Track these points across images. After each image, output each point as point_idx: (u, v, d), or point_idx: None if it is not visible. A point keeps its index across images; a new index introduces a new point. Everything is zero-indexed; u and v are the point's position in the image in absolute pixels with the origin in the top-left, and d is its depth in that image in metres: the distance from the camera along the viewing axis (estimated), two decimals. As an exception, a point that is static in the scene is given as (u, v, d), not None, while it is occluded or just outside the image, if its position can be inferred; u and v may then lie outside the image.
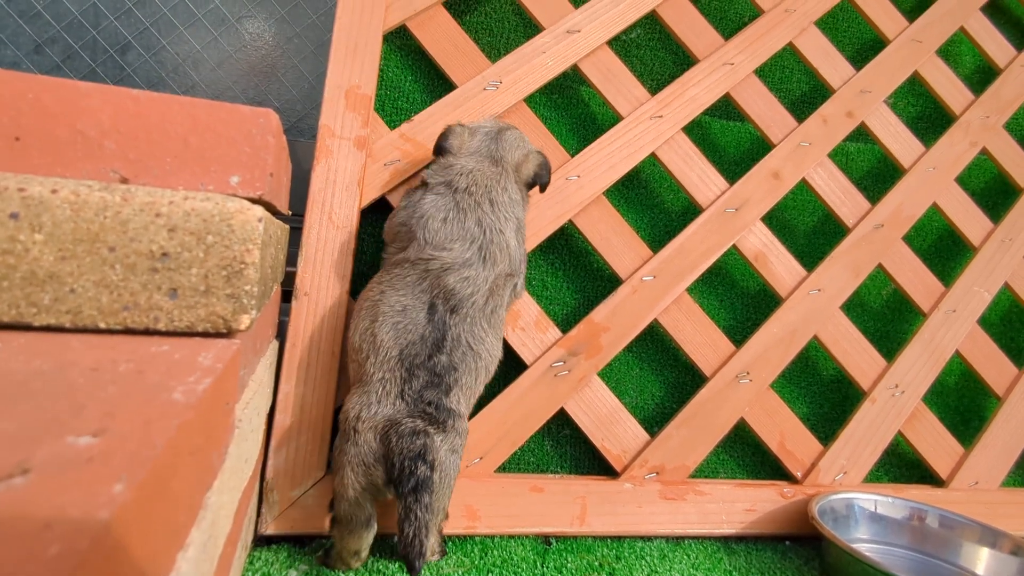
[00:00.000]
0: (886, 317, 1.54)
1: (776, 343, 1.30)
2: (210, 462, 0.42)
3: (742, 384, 1.26)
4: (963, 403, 1.53)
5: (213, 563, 0.49)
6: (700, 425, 1.22)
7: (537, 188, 1.08)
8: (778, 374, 1.29)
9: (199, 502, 0.40)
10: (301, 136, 1.73)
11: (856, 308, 1.51)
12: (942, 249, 1.62)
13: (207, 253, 0.50)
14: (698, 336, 1.28)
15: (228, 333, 0.52)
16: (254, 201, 0.60)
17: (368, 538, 0.88)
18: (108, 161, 0.55)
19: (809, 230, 1.53)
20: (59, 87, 0.56)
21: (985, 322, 1.56)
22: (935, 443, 1.36)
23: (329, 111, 1.14)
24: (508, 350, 1.21)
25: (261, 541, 0.97)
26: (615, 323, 1.22)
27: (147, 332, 0.49)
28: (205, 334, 0.51)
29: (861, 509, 1.17)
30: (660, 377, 1.36)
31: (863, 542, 1.14)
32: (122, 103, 0.57)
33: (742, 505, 1.21)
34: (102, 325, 0.48)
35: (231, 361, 0.48)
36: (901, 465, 1.44)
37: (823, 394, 1.44)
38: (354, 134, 1.15)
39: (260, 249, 0.52)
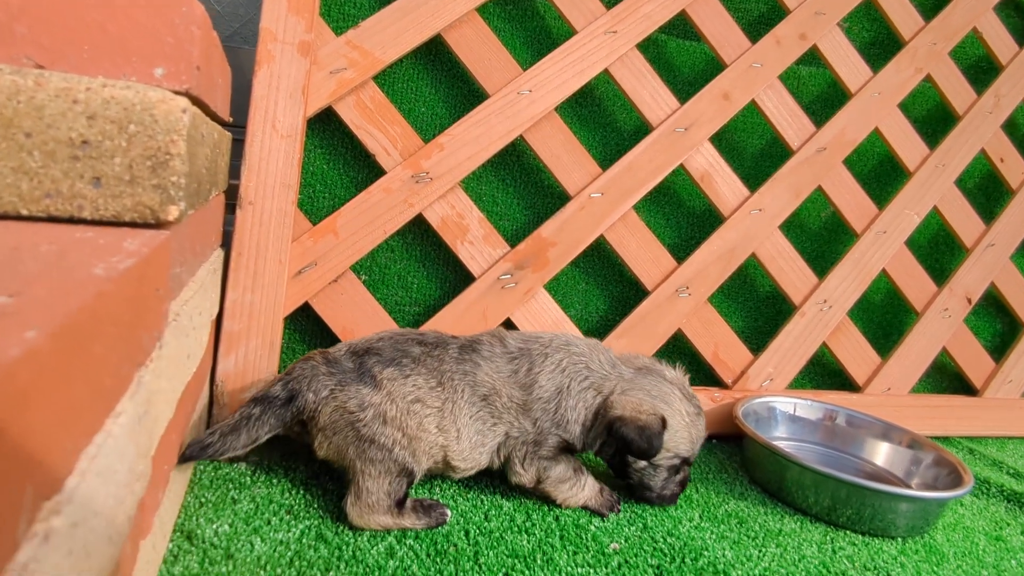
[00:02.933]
0: (823, 238, 1.60)
1: (716, 260, 1.35)
2: (139, 340, 0.44)
3: (681, 298, 1.33)
4: (887, 318, 1.63)
5: (152, 441, 0.52)
6: (640, 335, 1.29)
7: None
8: (716, 289, 1.35)
9: (129, 375, 0.42)
10: (245, 43, 1.65)
11: (795, 228, 1.57)
12: (881, 174, 1.67)
13: (130, 143, 0.50)
14: (642, 252, 1.33)
15: (157, 224, 0.53)
16: (180, 94, 0.59)
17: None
18: (20, 47, 0.53)
19: (757, 152, 1.56)
20: (-39, -35, 0.53)
21: (913, 244, 1.65)
22: (855, 353, 1.47)
23: (270, 13, 1.09)
24: (457, 263, 1.24)
25: (214, 440, 1.01)
26: (562, 238, 1.25)
27: (72, 220, 0.50)
28: (133, 224, 0.51)
29: (781, 411, 1.27)
30: (605, 291, 1.41)
31: (781, 440, 1.25)
32: (32, -15, 0.54)
33: (675, 409, 1.29)
34: (24, 212, 0.49)
35: (159, 248, 0.49)
36: (824, 374, 1.55)
37: (759, 308, 1.53)
38: (297, 39, 1.11)
39: (186, 141, 0.52)
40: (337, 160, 1.23)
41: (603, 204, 1.28)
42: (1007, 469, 1.32)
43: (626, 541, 0.90)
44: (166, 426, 0.59)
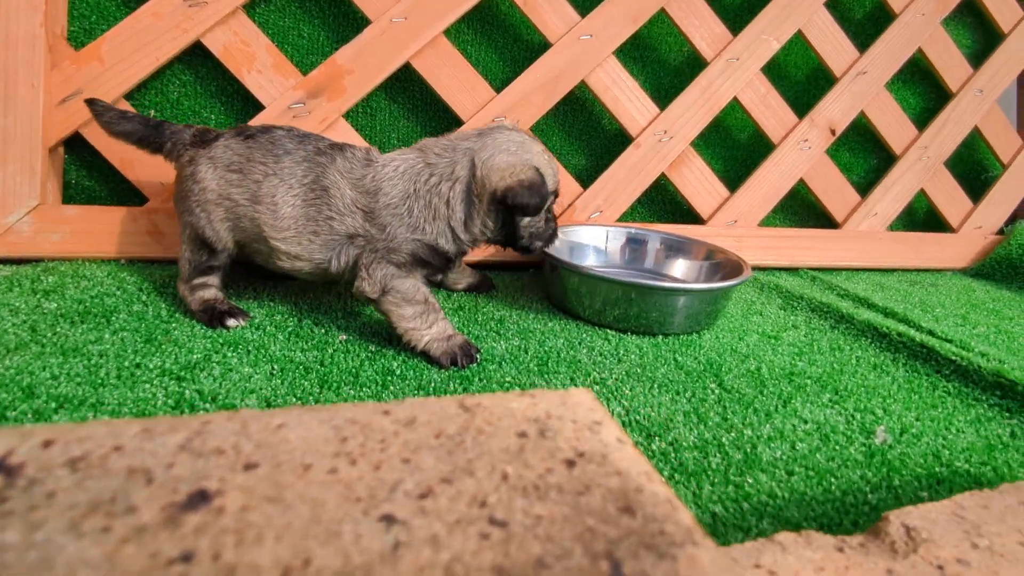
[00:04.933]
0: (684, 73, 1.52)
1: (539, 87, 1.29)
2: None
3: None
4: (752, 156, 1.56)
5: None
6: (450, 167, 1.25)
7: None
8: (539, 117, 1.30)
9: None
10: None
11: (653, 63, 1.49)
12: (755, 5, 1.55)
13: None
14: (456, 81, 1.27)
15: None
16: None
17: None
18: None
19: (608, -18, 1.46)
20: None
21: (788, 78, 1.56)
22: (699, 186, 1.42)
23: None
24: (246, 94, 1.20)
25: (-20, 265, 1.03)
26: (360, 65, 1.20)
27: None
28: None
29: (593, 243, 1.24)
30: (428, 128, 1.36)
31: (594, 267, 1.23)
32: None
33: (491, 241, 1.27)
34: None
35: None
36: (676, 212, 1.51)
37: (604, 145, 1.47)
38: None
39: None
40: (115, -10, 1.17)
41: (407, 29, 1.21)
42: (838, 291, 1.29)
43: (359, 335, 0.90)
44: None
